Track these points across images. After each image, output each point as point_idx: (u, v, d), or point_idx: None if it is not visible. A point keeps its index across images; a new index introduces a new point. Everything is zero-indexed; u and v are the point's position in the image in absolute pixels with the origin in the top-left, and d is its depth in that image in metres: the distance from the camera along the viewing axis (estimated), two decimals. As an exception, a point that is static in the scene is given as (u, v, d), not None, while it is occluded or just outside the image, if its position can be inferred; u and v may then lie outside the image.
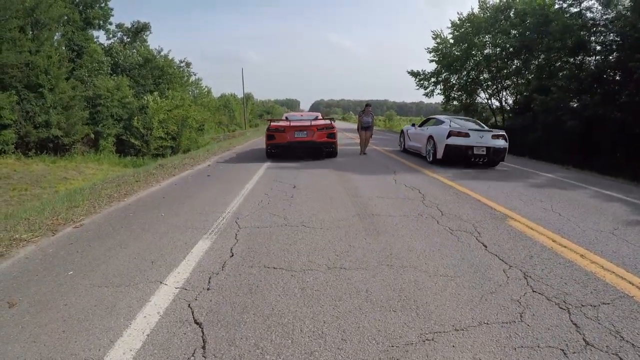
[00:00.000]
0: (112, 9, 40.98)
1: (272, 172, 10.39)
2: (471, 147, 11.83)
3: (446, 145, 11.94)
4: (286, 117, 15.14)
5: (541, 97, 19.78)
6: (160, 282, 3.69)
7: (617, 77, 18.36)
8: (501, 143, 12.19)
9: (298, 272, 3.91)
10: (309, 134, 12.78)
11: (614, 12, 19.50)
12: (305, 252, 4.43)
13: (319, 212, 6.08)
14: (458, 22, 30.66)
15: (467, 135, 11.92)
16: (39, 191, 17.92)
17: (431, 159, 12.73)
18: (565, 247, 4.84)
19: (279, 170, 10.59)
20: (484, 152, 11.92)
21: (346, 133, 34.36)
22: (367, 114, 15.17)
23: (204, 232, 5.12)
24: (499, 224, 5.70)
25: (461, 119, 14.81)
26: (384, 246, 4.64)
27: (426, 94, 34.22)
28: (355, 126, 65.87)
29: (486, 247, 4.73)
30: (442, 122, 13.57)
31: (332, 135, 13.17)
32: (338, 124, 70.24)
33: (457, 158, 12.11)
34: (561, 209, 6.87)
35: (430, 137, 12.96)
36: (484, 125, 14.08)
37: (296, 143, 12.72)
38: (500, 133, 12.46)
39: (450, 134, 11.98)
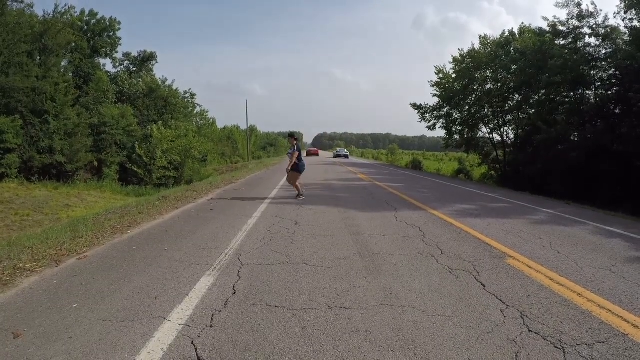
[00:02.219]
0: (120, 39, 41.81)
1: (274, 207, 10.47)
2: (339, 155, 65.84)
3: (335, 154, 71.68)
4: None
5: (545, 128, 19.97)
6: (164, 318, 3.74)
7: (617, 110, 18.67)
8: (347, 153, 73.22)
9: (299, 311, 3.96)
10: None
11: (613, 45, 19.94)
12: (306, 290, 4.48)
13: (321, 250, 6.15)
14: (459, 57, 31.36)
15: (339, 154, 67.66)
16: (40, 217, 18.01)
17: (334, 156, 67.34)
18: (562, 285, 4.91)
19: (281, 206, 10.68)
20: (345, 154, 70.19)
21: (348, 167, 34.51)
22: (291, 145, 12.62)
23: (207, 269, 5.18)
24: (498, 263, 5.76)
25: (342, 149, 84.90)
26: (384, 285, 4.69)
27: (428, 127, 34.78)
28: (359, 160, 66.76)
29: (484, 286, 4.79)
30: (337, 150, 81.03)
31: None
32: (346, 159, 75.39)
33: (338, 158, 61.15)
34: (560, 246, 6.95)
35: (338, 154, 67.30)
36: (346, 150, 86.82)
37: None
38: (345, 152, 74.61)
39: (336, 152, 72.76)
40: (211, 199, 12.34)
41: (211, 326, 3.61)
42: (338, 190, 15.12)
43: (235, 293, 4.37)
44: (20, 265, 5.30)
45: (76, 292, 4.41)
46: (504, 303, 4.28)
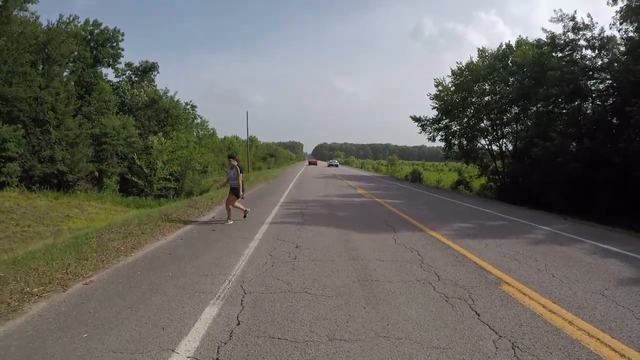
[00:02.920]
0: (122, 49, 42.08)
1: (274, 228, 10.61)
2: (331, 165, 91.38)
3: (328, 164, 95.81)
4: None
5: (542, 143, 20.15)
6: (172, 351, 3.90)
7: (615, 121, 18.87)
8: (337, 163, 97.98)
9: (301, 343, 4.11)
10: None
11: (609, 55, 20.16)
12: (308, 321, 4.63)
13: (321, 277, 6.29)
14: (458, 70, 31.70)
15: (331, 164, 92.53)
16: (41, 228, 18.10)
17: (327, 165, 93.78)
18: (554, 313, 5.05)
19: (282, 227, 10.83)
20: (335, 164, 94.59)
21: (348, 181, 34.55)
22: (231, 166, 11.79)
23: (212, 297, 5.33)
24: (493, 290, 5.90)
25: (333, 160, 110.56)
26: (382, 316, 4.83)
27: (429, 139, 35.16)
28: (358, 172, 66.01)
29: (479, 315, 4.92)
30: (330, 160, 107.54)
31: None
32: (338, 169, 71.60)
33: (330, 167, 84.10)
34: (555, 268, 7.13)
35: (331, 164, 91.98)
36: (336, 161, 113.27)
37: None
38: (335, 162, 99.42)
39: (329, 162, 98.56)
40: (213, 217, 12.53)
41: (217, 359, 3.77)
42: (338, 208, 15.28)
43: (239, 324, 4.52)
44: (28, 289, 5.46)
45: (85, 320, 4.56)
46: (496, 333, 4.43)
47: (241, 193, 11.67)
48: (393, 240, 9.31)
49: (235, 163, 11.73)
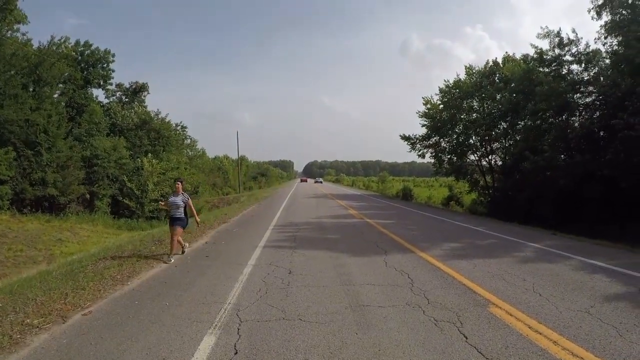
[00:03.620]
0: (113, 70, 42.20)
1: (267, 253, 10.76)
2: (317, 182, 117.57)
3: (315, 181, 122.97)
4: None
5: (532, 157, 20.45)
6: (174, 382, 4.06)
7: (602, 134, 19.22)
8: (321, 180, 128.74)
9: (296, 372, 4.29)
10: None
11: (595, 69, 20.58)
12: (302, 348, 4.78)
13: (314, 304, 6.43)
14: (446, 88, 32.20)
15: (317, 181, 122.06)
16: (34, 253, 18.11)
17: (314, 182, 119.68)
18: (540, 333, 5.20)
19: (274, 251, 10.98)
20: (320, 181, 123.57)
21: (339, 200, 34.67)
22: (177, 192, 10.36)
23: (209, 326, 5.48)
24: (481, 312, 6.05)
25: (319, 178, 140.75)
26: (374, 342, 4.98)
27: (419, 156, 35.61)
28: (349, 190, 65.40)
29: (467, 338, 5.07)
30: (316, 178, 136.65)
31: None
32: (329, 187, 70.25)
33: (316, 183, 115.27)
34: (542, 287, 7.31)
35: (317, 181, 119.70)
36: (321, 178, 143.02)
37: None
38: (320, 180, 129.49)
39: (316, 180, 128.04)
40: (206, 242, 12.66)
41: (217, 389, 3.94)
42: (329, 231, 15.45)
43: (237, 353, 4.67)
44: (28, 321, 5.60)
45: (87, 352, 4.70)
46: (483, 356, 4.59)
47: (196, 220, 10.83)
48: (384, 263, 9.47)
49: (180, 186, 10.45)
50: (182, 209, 10.11)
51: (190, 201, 10.36)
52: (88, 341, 5.01)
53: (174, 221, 10.04)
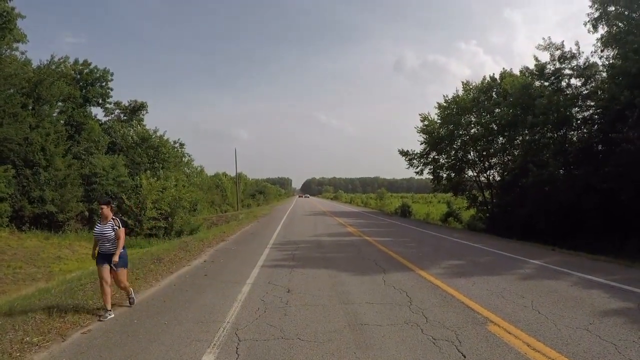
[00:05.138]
0: (112, 89, 42.49)
1: (265, 272, 10.75)
2: (305, 196, 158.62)
3: (299, 196, 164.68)
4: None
5: (535, 170, 20.37)
6: (174, 402, 4.06)
7: (600, 147, 19.30)
8: (308, 196, 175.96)
9: (295, 392, 4.30)
10: None
11: (593, 82, 20.63)
12: (301, 369, 4.79)
13: (313, 323, 6.43)
14: (444, 104, 32.33)
15: (305, 196, 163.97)
16: (33, 270, 18.06)
17: (302, 197, 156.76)
18: (538, 351, 5.20)
19: (272, 270, 10.97)
20: (307, 196, 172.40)
21: (337, 218, 34.66)
22: (104, 218, 7.37)
23: (207, 345, 5.49)
24: (479, 330, 6.05)
25: (307, 194, 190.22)
26: (372, 362, 4.98)
27: (416, 173, 35.61)
28: (347, 207, 65.18)
29: (465, 357, 5.06)
30: (304, 194, 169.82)
31: None
32: (327, 204, 69.57)
33: (304, 197, 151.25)
34: (541, 305, 7.32)
35: (304, 196, 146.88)
36: (307, 194, 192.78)
37: None
38: (307, 195, 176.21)
39: (304, 195, 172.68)
40: (204, 261, 12.66)
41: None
42: (328, 249, 15.42)
43: (235, 373, 4.69)
44: (27, 339, 5.61)
45: (86, 373, 4.71)
46: (482, 376, 4.60)
47: (115, 260, 7.02)
48: (382, 282, 9.46)
49: (111, 213, 7.41)
50: (114, 241, 7.16)
51: (122, 231, 7.25)
52: (87, 360, 5.02)
53: (103, 259, 7.06)
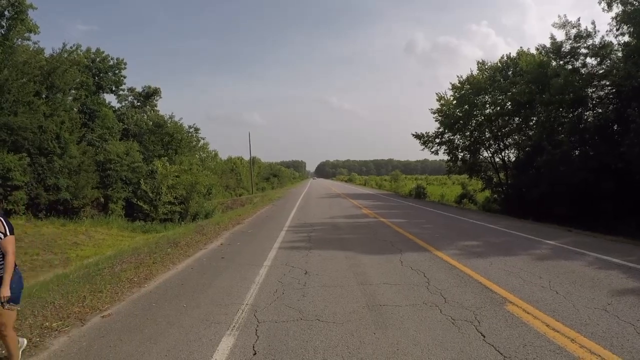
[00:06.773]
0: (125, 77, 42.51)
1: (282, 254, 10.75)
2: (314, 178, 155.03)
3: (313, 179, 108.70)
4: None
5: (550, 148, 20.18)
6: (193, 385, 4.06)
7: (616, 127, 19.02)
8: (315, 177, 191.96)
9: (315, 373, 4.28)
10: None
11: (608, 61, 20.28)
12: (321, 349, 4.78)
13: (331, 304, 6.43)
14: (458, 84, 31.93)
15: (314, 177, 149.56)
16: (50, 257, 18.24)
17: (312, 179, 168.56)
18: (557, 331, 5.15)
19: (289, 252, 10.96)
20: (315, 177, 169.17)
21: (352, 200, 34.64)
22: None
23: (226, 327, 5.50)
24: (498, 310, 6.01)
25: (315, 176, 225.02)
26: (392, 341, 4.97)
27: (432, 152, 35.54)
28: (362, 189, 66.50)
29: (484, 337, 5.04)
30: (313, 177, 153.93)
31: None
32: (342, 187, 70.11)
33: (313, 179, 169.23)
34: (559, 285, 7.25)
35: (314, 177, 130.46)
36: (315, 176, 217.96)
37: None
38: (315, 177, 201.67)
39: (313, 177, 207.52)
40: (221, 244, 12.68)
41: (237, 390, 3.94)
42: (344, 231, 15.42)
43: (255, 354, 4.69)
44: (47, 324, 5.64)
45: (107, 355, 4.73)
46: (501, 354, 4.56)
47: (4, 293, 4.19)
48: (400, 263, 9.43)
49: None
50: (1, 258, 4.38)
51: (8, 240, 4.41)
52: (107, 344, 5.05)
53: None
